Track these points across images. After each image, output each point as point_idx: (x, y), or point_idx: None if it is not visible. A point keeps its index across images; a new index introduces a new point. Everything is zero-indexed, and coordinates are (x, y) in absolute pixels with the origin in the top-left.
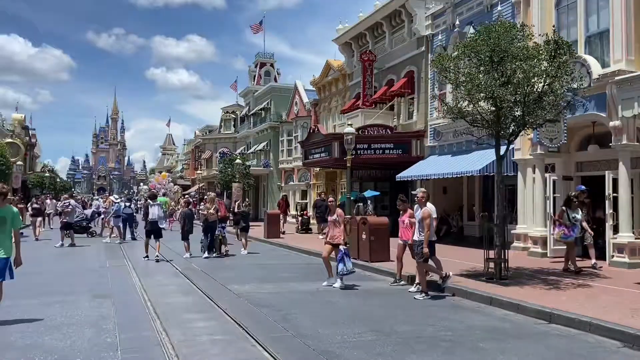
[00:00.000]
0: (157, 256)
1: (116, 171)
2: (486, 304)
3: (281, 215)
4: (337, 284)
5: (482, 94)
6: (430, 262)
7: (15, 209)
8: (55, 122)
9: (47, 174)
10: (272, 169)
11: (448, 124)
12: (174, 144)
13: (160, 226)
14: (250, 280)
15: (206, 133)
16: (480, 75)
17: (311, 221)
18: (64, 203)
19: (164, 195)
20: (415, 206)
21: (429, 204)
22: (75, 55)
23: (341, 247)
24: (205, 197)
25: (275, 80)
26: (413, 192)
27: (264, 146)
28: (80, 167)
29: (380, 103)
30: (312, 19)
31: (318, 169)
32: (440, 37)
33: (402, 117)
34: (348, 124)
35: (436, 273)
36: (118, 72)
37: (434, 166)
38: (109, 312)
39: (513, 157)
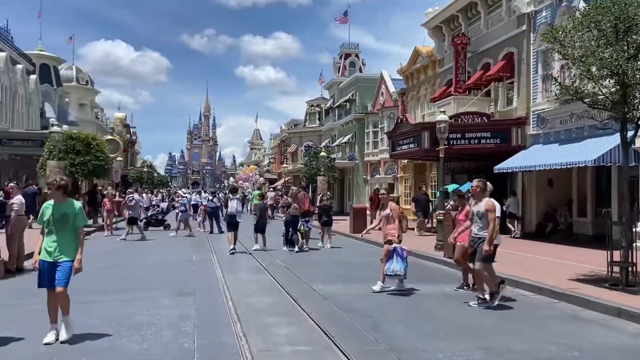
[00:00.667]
0: (233, 249)
1: (208, 166)
2: (614, 316)
3: (369, 212)
4: (377, 287)
5: (605, 70)
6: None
7: (78, 204)
8: (155, 120)
9: (145, 169)
10: (357, 161)
11: (555, 109)
12: (261, 139)
13: (239, 220)
14: (334, 279)
15: (291, 127)
16: (604, 49)
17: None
18: (128, 197)
19: (258, 189)
20: (470, 200)
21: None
22: (171, 57)
23: (395, 245)
24: (290, 191)
25: (360, 71)
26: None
27: (349, 138)
28: (176, 163)
29: (474, 89)
30: (396, 9)
31: (406, 161)
32: (544, 14)
33: (500, 103)
34: (441, 111)
35: (487, 285)
36: (210, 71)
37: (538, 156)
38: (189, 312)
39: (634, 144)
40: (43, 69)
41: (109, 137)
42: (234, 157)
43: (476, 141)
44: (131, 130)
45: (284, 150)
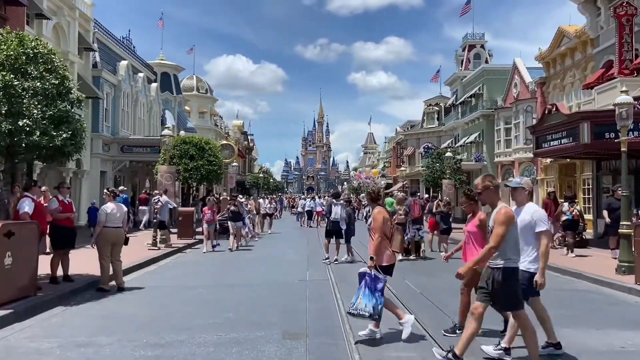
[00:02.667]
0: (336, 259)
1: (322, 171)
2: None
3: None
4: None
5: None
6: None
7: None
8: (272, 129)
9: (261, 175)
10: (485, 163)
11: None
12: (375, 143)
13: (342, 227)
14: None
15: (408, 129)
16: None
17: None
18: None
19: (391, 196)
20: (497, 208)
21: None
22: (287, 67)
23: (365, 269)
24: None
25: (487, 62)
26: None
27: (475, 137)
28: (292, 169)
29: None
30: (516, 4)
31: (548, 160)
32: None
33: None
34: (622, 91)
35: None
36: (323, 79)
37: None
38: None
39: None
40: (163, 78)
41: (224, 142)
42: (347, 162)
43: None
44: (249, 137)
45: (400, 153)
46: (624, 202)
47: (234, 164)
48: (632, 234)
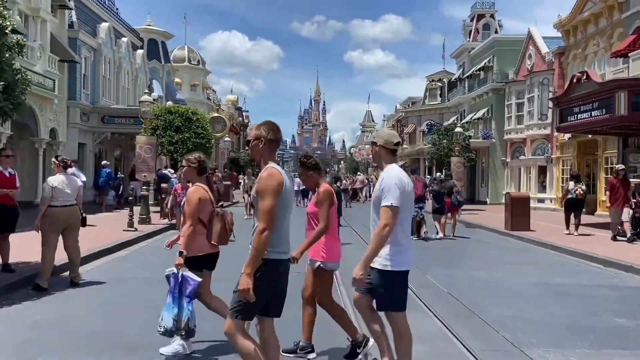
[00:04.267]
0: None
1: (319, 150)
2: None
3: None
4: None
5: None
6: None
7: None
8: (268, 107)
9: None
10: (494, 140)
11: None
12: (373, 121)
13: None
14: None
15: (409, 105)
16: None
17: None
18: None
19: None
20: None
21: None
22: (283, 45)
23: (169, 270)
24: None
25: (497, 33)
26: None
27: (483, 113)
28: (287, 147)
29: None
30: None
31: (567, 137)
32: None
33: None
34: None
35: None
36: (319, 57)
37: None
38: None
39: None
40: (151, 45)
41: (215, 114)
42: (343, 141)
43: None
44: (243, 113)
45: (401, 131)
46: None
47: (227, 138)
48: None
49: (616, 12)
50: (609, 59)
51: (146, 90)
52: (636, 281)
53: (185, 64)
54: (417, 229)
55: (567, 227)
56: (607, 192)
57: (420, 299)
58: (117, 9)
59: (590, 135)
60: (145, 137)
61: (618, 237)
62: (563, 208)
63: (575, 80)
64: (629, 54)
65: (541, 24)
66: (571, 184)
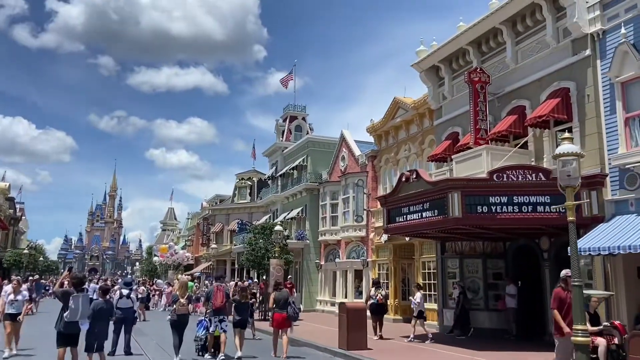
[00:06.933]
0: None
1: (110, 250)
2: None
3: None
4: None
5: None
6: None
7: None
8: (54, 202)
9: (26, 251)
10: (308, 241)
11: None
12: (175, 219)
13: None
14: None
15: (216, 203)
16: None
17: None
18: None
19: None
20: None
21: None
22: (77, 136)
23: None
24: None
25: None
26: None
27: (297, 213)
28: (72, 247)
29: (499, 141)
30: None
31: (383, 240)
32: (623, 31)
33: (549, 158)
34: (563, 138)
35: None
36: (119, 152)
37: (628, 233)
38: None
39: None
40: None
41: None
42: (140, 240)
43: (530, 208)
44: (16, 205)
45: (207, 230)
46: (576, 295)
47: None
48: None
49: (427, 119)
50: (423, 163)
51: None
52: None
53: None
54: (214, 345)
55: (375, 332)
56: (553, 311)
57: None
58: None
59: (407, 239)
60: None
61: None
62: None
63: (403, 179)
64: (452, 157)
65: (351, 128)
66: (372, 290)
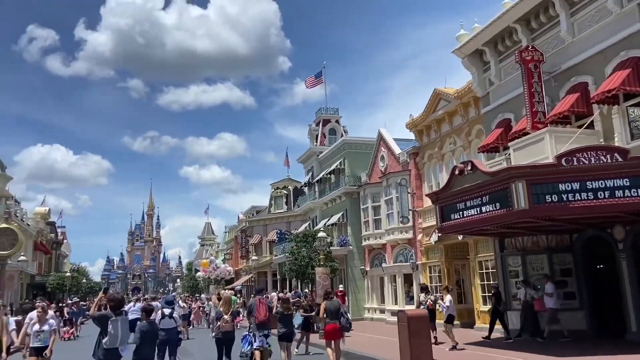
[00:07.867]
0: None
1: (151, 269)
2: None
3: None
4: None
5: None
6: None
7: None
8: (95, 224)
9: (68, 273)
10: (351, 247)
11: None
12: (213, 234)
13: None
14: None
15: (252, 215)
16: None
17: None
18: None
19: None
20: None
21: None
22: (112, 159)
23: None
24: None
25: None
26: None
27: (338, 218)
28: (115, 267)
29: (558, 123)
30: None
31: (433, 241)
32: None
33: (621, 137)
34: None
35: None
36: (154, 172)
37: None
38: None
39: None
40: None
41: (4, 225)
42: (179, 257)
43: (607, 194)
44: (58, 230)
45: (245, 243)
46: None
47: (22, 258)
48: None
49: (472, 108)
50: (471, 156)
51: None
52: None
53: None
54: None
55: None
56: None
57: None
58: None
59: (460, 237)
60: None
61: None
62: None
63: (457, 172)
64: (509, 144)
65: (386, 127)
66: (422, 295)
